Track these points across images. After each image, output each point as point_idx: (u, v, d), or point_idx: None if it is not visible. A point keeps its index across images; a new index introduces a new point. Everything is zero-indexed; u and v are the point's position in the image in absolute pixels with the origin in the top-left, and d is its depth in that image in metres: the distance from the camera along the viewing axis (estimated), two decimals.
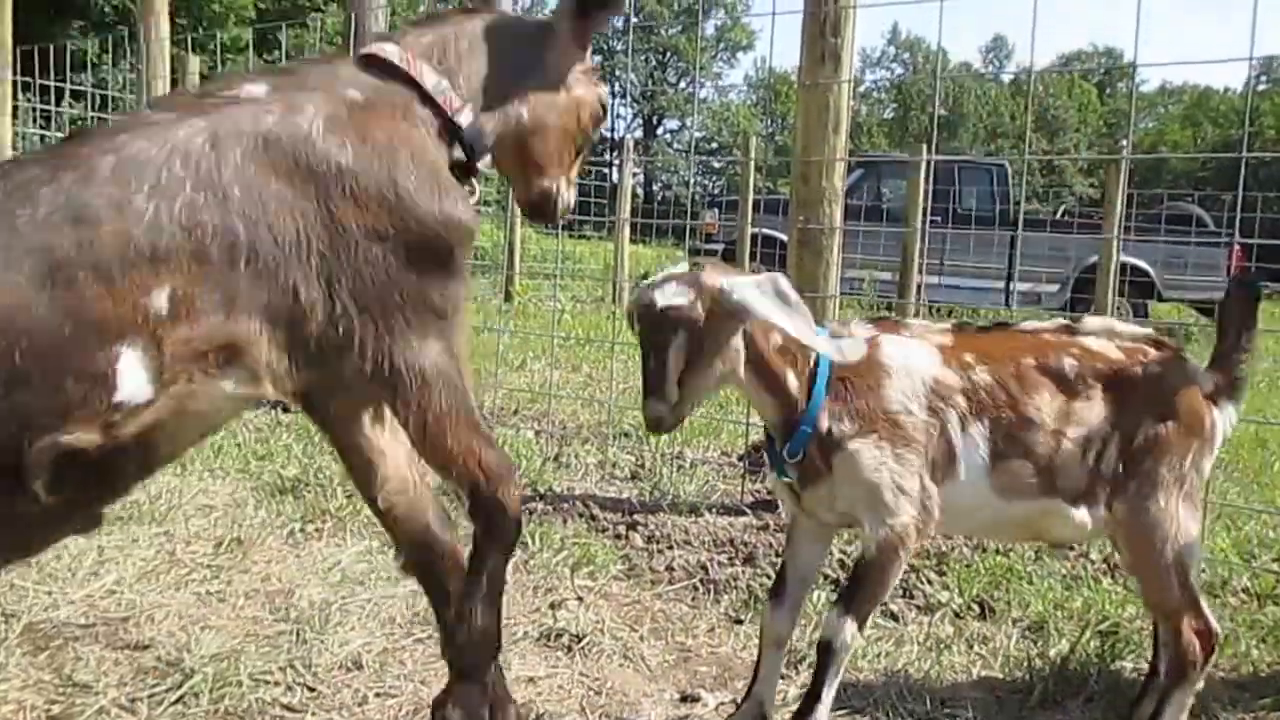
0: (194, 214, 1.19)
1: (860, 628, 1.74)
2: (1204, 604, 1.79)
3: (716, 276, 1.63)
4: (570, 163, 1.65)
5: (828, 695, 1.74)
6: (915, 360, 1.77)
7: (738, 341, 1.67)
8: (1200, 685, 1.79)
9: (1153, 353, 1.84)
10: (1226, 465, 4.01)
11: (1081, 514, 1.79)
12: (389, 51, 1.40)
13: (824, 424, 1.71)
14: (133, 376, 1.16)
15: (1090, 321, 1.90)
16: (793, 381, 1.72)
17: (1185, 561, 1.78)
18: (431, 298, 1.31)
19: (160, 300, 1.16)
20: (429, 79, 1.40)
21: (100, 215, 1.15)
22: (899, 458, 1.71)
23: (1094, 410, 1.78)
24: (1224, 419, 1.83)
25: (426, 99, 1.40)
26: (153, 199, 1.18)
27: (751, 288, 1.61)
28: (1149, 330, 1.91)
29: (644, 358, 1.63)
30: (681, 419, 1.69)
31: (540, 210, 1.67)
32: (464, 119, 1.44)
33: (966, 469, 1.76)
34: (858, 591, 1.73)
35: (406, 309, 1.28)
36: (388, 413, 1.41)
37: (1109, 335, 1.86)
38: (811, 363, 1.73)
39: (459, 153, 1.45)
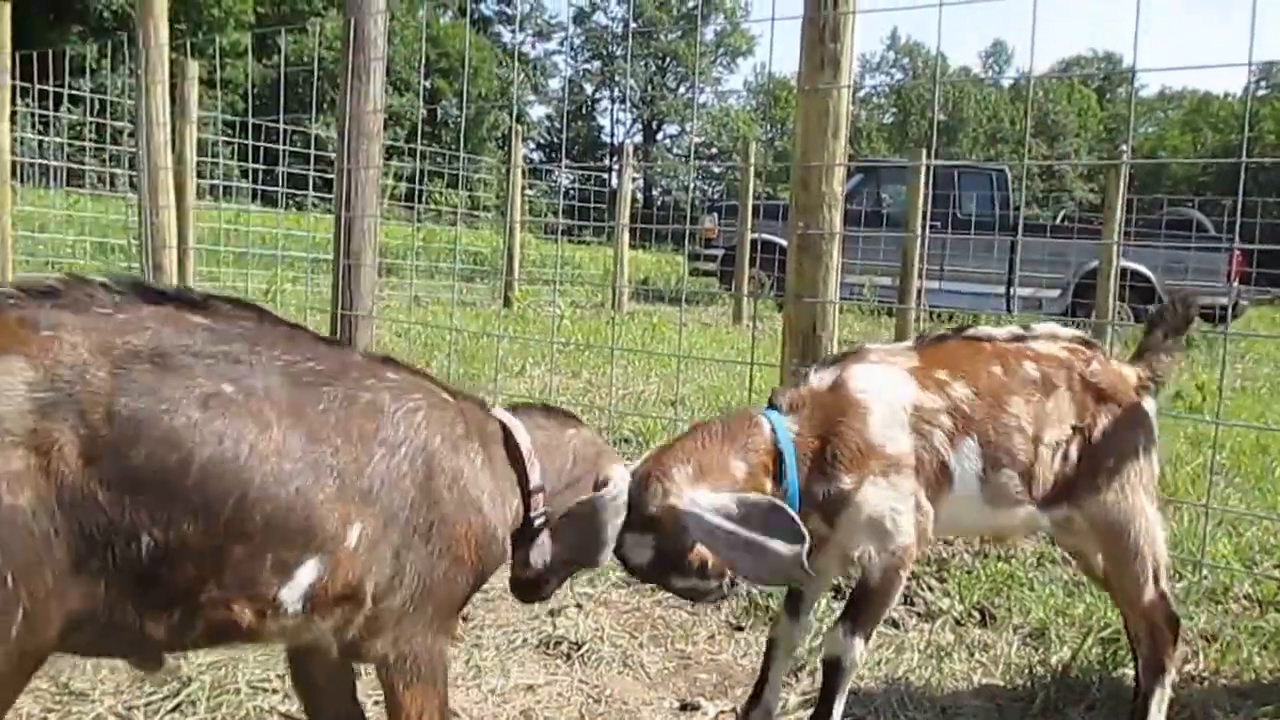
0: (404, 473, 1.33)
1: (866, 644, 1.75)
2: (1170, 595, 1.83)
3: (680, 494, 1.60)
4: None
5: (838, 710, 1.75)
6: (891, 390, 1.76)
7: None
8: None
9: (1087, 352, 1.89)
10: (1228, 471, 4.00)
11: (1057, 514, 1.84)
12: (521, 438, 1.54)
13: (816, 491, 1.71)
14: (301, 585, 1.23)
15: (1037, 327, 1.94)
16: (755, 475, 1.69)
17: (1158, 555, 1.82)
18: (459, 608, 1.47)
19: (354, 533, 1.26)
20: (535, 478, 1.54)
21: (352, 434, 1.28)
22: (893, 486, 1.71)
23: (1058, 412, 1.81)
24: (1152, 411, 1.90)
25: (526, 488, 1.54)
26: (385, 445, 1.32)
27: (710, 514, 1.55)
28: (1080, 332, 1.97)
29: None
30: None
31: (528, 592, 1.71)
32: (537, 522, 1.56)
33: (961, 483, 1.77)
34: (863, 611, 1.74)
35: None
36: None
37: (1053, 339, 1.90)
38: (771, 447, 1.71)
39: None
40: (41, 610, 1.07)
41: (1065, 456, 1.81)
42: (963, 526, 1.91)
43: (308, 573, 1.23)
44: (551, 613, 2.37)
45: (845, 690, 1.75)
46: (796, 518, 1.53)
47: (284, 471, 1.20)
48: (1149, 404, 1.89)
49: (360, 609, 1.31)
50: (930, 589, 2.61)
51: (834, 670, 1.73)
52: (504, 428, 1.55)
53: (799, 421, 1.74)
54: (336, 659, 1.44)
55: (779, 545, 1.51)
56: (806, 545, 1.51)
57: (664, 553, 1.61)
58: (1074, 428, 1.81)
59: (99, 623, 1.13)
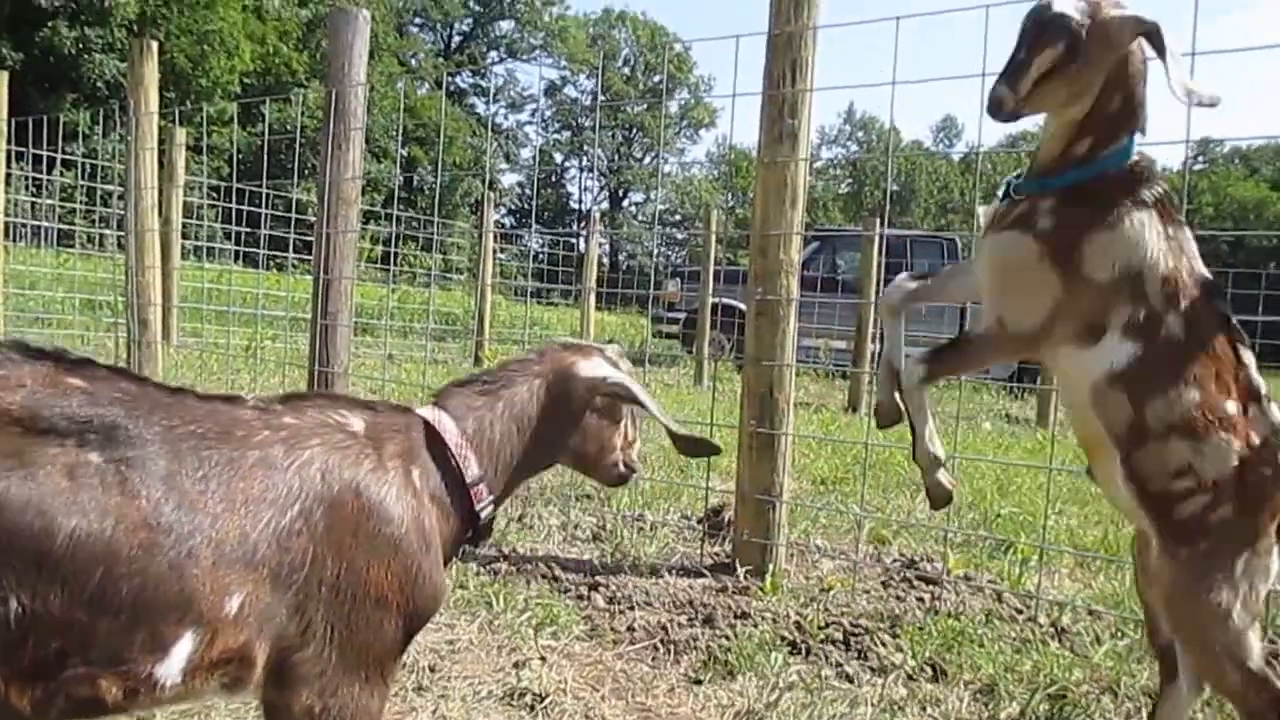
0: (298, 530, 1.27)
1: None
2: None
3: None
4: (625, 443, 1.76)
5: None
6: None
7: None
8: None
9: None
10: None
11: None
12: (449, 434, 1.51)
13: None
14: (178, 660, 1.19)
15: None
16: None
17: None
18: (392, 653, 1.40)
19: (234, 602, 1.21)
20: (471, 472, 1.52)
21: (235, 499, 1.23)
22: None
23: None
24: None
25: (462, 486, 1.51)
26: (275, 505, 1.26)
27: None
28: None
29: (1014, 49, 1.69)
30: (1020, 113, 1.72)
31: (614, 482, 1.78)
32: (484, 513, 1.55)
33: None
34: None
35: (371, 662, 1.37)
36: None
37: None
38: None
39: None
40: None
41: None
42: None
43: (183, 647, 1.18)
44: (516, 665, 2.41)
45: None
46: None
47: (154, 544, 1.15)
48: None
49: (252, 668, 1.26)
50: (883, 644, 2.65)
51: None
52: (428, 427, 1.50)
53: None
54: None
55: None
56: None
57: None
58: None
59: None
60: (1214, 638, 1.69)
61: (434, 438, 1.50)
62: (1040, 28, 1.68)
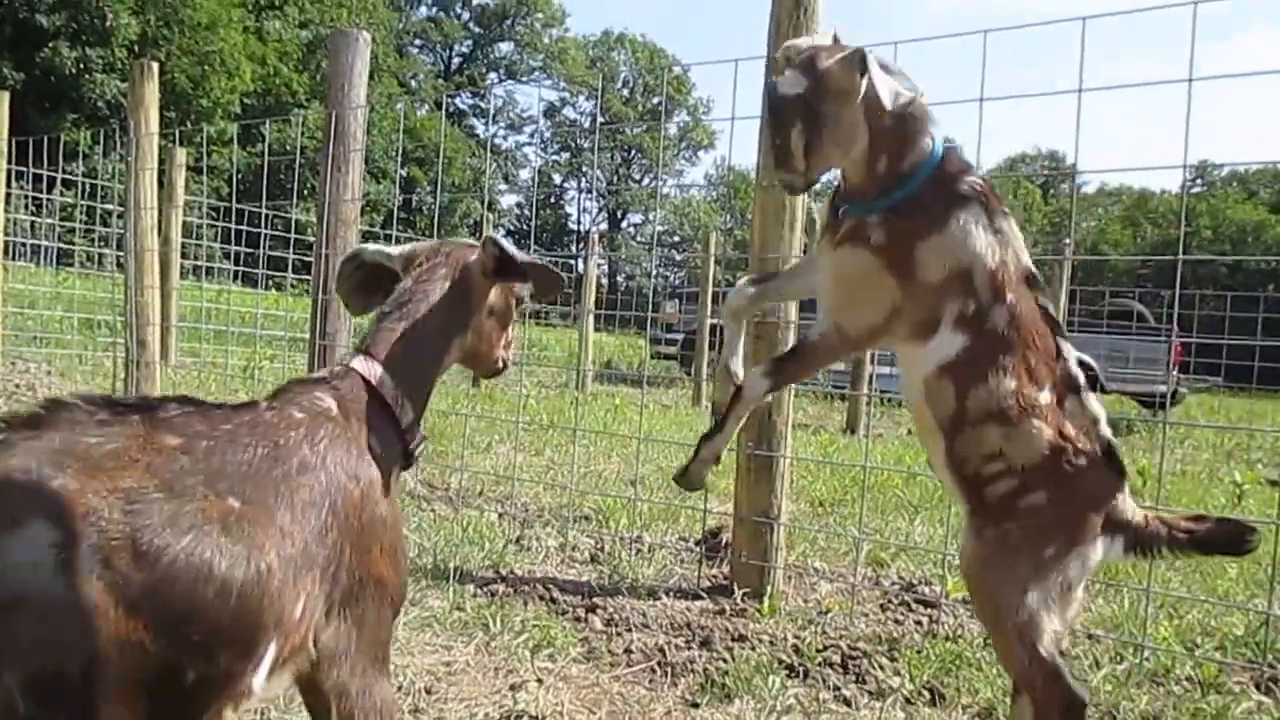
0: (329, 526, 1.35)
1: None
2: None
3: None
4: (506, 341, 1.86)
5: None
6: None
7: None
8: None
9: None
10: None
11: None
12: (385, 389, 1.56)
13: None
14: (265, 668, 1.26)
15: None
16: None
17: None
18: (389, 634, 1.49)
19: (300, 605, 1.29)
20: (408, 418, 1.58)
21: (295, 513, 1.31)
22: None
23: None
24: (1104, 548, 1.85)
25: (401, 432, 1.57)
26: (314, 506, 1.34)
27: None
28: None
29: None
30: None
31: (493, 374, 1.88)
32: (418, 451, 1.61)
33: None
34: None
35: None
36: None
37: None
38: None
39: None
40: None
41: None
42: None
43: (269, 656, 1.25)
44: (512, 687, 2.39)
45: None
46: None
47: (257, 572, 1.22)
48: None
49: (307, 657, 1.35)
50: (881, 667, 2.64)
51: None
52: (364, 382, 1.55)
53: None
54: None
55: None
56: None
57: None
58: None
59: None
60: (1006, 615, 1.73)
61: (373, 392, 1.55)
62: (776, 112, 1.82)
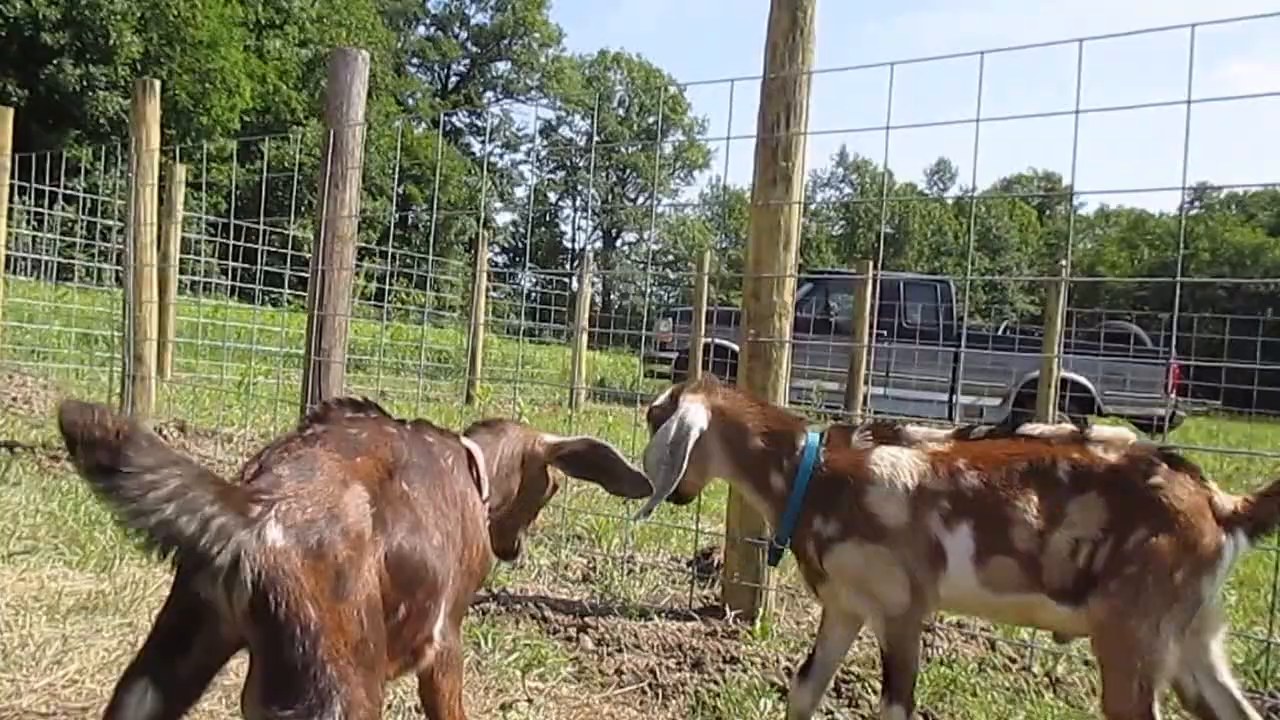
0: (456, 520, 1.64)
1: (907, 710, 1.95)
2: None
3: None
4: (529, 521, 2.13)
5: None
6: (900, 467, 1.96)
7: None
8: None
9: (1163, 467, 1.85)
10: None
11: (1066, 610, 1.87)
12: (480, 466, 1.87)
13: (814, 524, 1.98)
14: (439, 619, 1.58)
15: (1101, 430, 1.95)
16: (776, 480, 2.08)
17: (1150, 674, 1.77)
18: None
19: (450, 578, 1.59)
20: (486, 490, 1.87)
21: (442, 501, 1.60)
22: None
23: (1086, 513, 1.84)
24: (1232, 547, 1.81)
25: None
26: (451, 501, 1.64)
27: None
28: (1164, 447, 1.95)
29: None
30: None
31: (509, 556, 2.09)
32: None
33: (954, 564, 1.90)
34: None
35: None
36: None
37: (1115, 445, 1.89)
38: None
39: None
40: None
41: (1090, 557, 1.83)
42: (970, 606, 2.06)
43: (440, 616, 1.57)
44: (503, 707, 2.38)
45: None
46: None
47: (435, 542, 1.53)
48: (1230, 539, 1.80)
49: (446, 620, 1.63)
50: (874, 691, 2.63)
51: None
52: (469, 454, 1.85)
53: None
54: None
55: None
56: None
57: None
58: (1104, 530, 1.82)
59: None
60: (1137, 654, 1.78)
61: (473, 461, 1.85)
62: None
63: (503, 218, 52.37)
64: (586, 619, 3.06)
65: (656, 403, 2.21)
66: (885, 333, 11.46)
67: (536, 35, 52.56)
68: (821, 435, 2.09)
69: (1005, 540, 1.87)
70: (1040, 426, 1.99)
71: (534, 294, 14.73)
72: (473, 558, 1.70)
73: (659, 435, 2.10)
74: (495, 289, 17.81)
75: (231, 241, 8.69)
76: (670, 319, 14.11)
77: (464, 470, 1.77)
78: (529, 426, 2.06)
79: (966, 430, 2.04)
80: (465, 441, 1.87)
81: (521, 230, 49.66)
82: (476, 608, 3.07)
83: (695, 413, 2.10)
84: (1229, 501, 1.84)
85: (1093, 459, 1.88)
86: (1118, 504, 1.83)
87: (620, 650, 2.84)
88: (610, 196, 54.12)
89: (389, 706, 2.25)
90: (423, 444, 1.66)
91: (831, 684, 2.65)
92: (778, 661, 2.79)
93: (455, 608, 1.65)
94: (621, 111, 55.85)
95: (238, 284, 10.06)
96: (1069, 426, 1.98)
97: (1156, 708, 1.77)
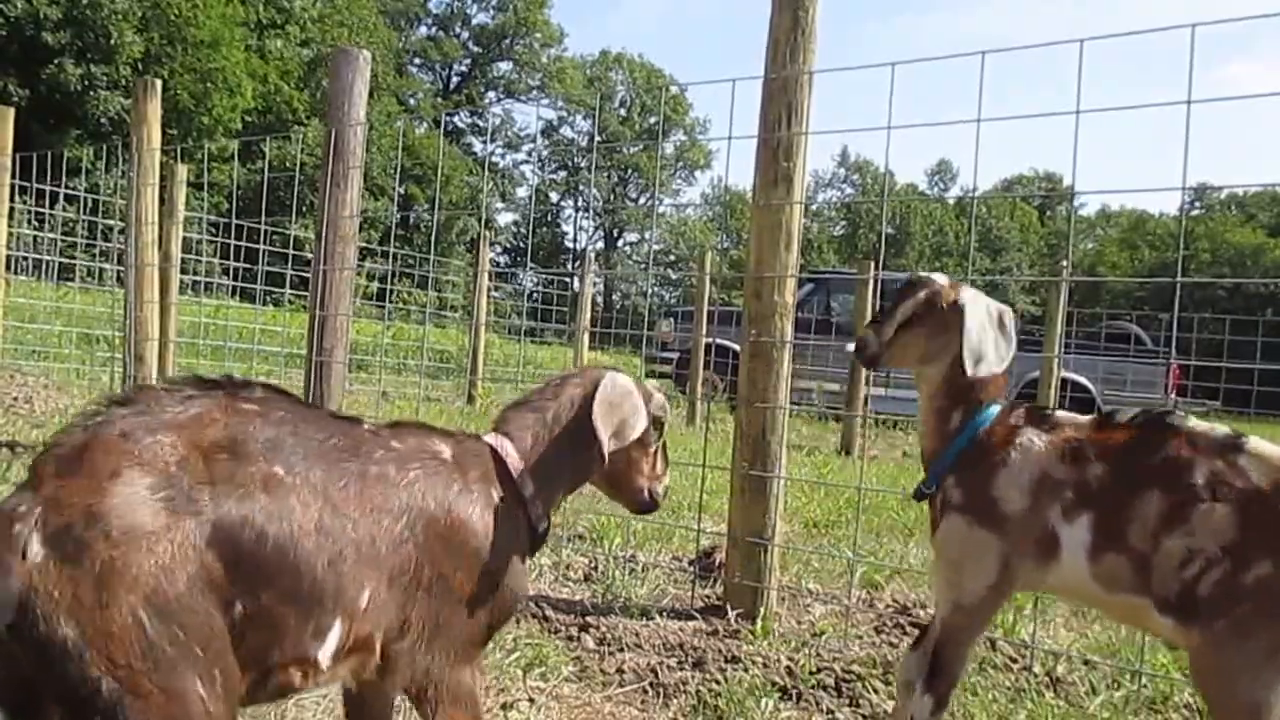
0: (405, 539, 1.49)
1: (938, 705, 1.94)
2: None
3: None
4: (655, 470, 1.96)
5: None
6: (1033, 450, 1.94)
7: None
8: None
9: None
10: None
11: (1169, 622, 1.79)
12: (510, 459, 1.73)
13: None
14: (330, 646, 1.39)
15: (1260, 445, 1.81)
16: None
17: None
18: (477, 641, 1.65)
19: (366, 595, 1.42)
20: (528, 491, 1.73)
21: (366, 507, 1.45)
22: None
23: (1208, 526, 1.74)
24: None
25: (523, 503, 1.73)
26: (390, 514, 1.48)
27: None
28: None
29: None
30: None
31: (643, 509, 1.98)
32: (540, 525, 1.76)
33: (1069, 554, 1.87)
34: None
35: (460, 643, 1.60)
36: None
37: (1269, 465, 1.77)
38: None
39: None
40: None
41: (1201, 573, 1.73)
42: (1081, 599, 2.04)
43: (335, 634, 1.39)
44: (504, 706, 2.38)
45: None
46: None
47: (320, 545, 1.36)
48: None
49: (372, 656, 1.47)
50: (875, 690, 2.63)
51: None
52: (494, 452, 1.71)
53: None
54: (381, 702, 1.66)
55: None
56: None
57: None
58: (1224, 550, 1.72)
59: None
60: (1245, 693, 1.71)
61: (499, 462, 1.71)
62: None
63: (504, 218, 52.45)
64: (588, 618, 3.06)
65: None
66: None
67: (538, 35, 52.57)
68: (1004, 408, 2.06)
69: (1121, 537, 1.80)
70: (1193, 420, 1.89)
71: (535, 294, 14.75)
72: (455, 583, 1.55)
73: (980, 308, 2.07)
74: (497, 289, 17.81)
75: (233, 241, 8.70)
76: (671, 319, 14.11)
77: (449, 486, 1.58)
78: (599, 368, 1.91)
79: (1110, 415, 1.98)
80: (489, 439, 1.73)
81: (523, 230, 49.69)
82: None
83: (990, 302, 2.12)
84: None
85: (1237, 471, 1.76)
86: (1248, 527, 1.71)
87: (622, 649, 2.84)
88: (612, 197, 54.10)
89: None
90: (344, 436, 1.48)
91: (834, 683, 2.66)
92: (779, 661, 2.79)
93: (436, 641, 1.53)
94: (623, 112, 55.85)
95: (239, 284, 10.09)
96: (1223, 429, 1.86)
97: None
